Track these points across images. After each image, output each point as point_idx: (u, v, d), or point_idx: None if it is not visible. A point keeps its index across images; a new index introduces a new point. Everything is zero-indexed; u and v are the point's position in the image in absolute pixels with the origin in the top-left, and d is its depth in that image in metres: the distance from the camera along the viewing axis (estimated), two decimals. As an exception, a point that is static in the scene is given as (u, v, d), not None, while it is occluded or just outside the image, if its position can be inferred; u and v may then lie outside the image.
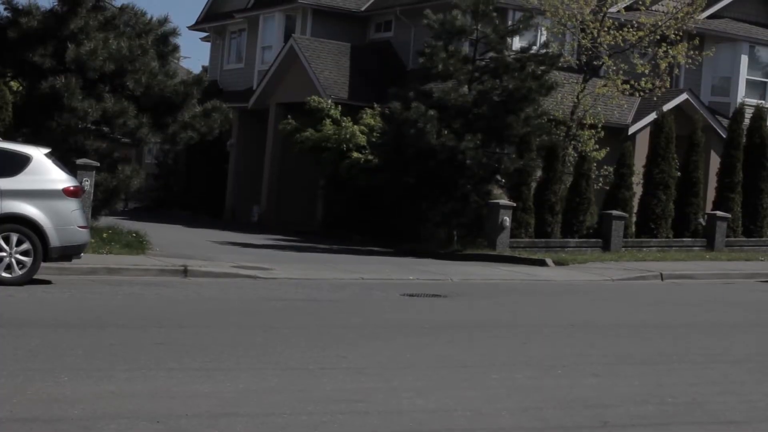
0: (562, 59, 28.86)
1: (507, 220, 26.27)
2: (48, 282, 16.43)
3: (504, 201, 26.70)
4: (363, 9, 37.78)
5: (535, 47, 28.41)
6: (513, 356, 11.63)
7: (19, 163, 16.14)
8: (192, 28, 44.09)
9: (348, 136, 30.11)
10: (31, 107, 22.88)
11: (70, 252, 16.50)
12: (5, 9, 23.42)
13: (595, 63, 31.17)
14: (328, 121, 30.34)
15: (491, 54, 27.86)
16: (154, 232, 23.84)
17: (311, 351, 10.97)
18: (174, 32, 24.68)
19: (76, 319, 12.89)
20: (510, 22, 30.56)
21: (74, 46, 22.09)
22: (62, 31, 22.51)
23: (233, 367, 10.06)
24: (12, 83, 24.36)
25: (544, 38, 31.29)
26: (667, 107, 31.64)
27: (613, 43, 30.34)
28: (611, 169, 29.64)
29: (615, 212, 27.84)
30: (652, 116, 31.28)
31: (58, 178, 16.36)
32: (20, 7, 23.05)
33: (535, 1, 30.00)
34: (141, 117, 22.81)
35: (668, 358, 12.07)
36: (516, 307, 16.82)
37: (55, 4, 23.23)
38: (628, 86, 30.20)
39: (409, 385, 9.46)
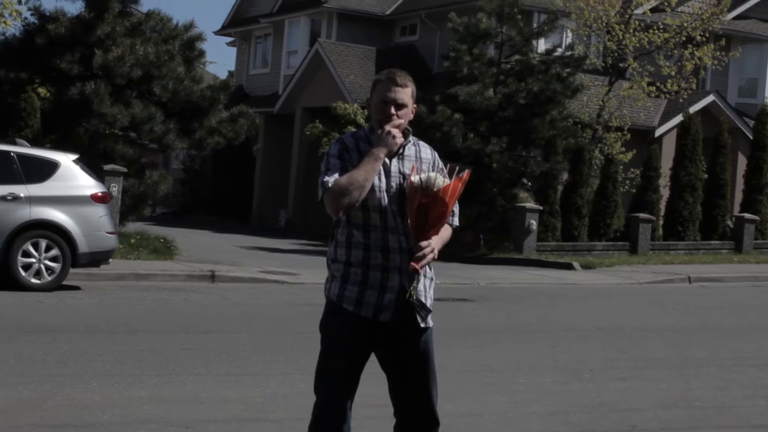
0: (587, 61, 28.80)
1: (533, 224, 26.24)
2: (77, 288, 16.52)
3: (530, 204, 26.66)
4: (388, 13, 37.81)
5: (560, 49, 28.36)
6: (540, 360, 11.62)
7: (48, 169, 16.24)
8: (218, 33, 44.24)
9: (373, 140, 30.10)
10: (59, 113, 23.00)
11: (98, 258, 16.58)
12: (32, 15, 23.58)
13: (620, 65, 31.11)
14: (351, 128, 30.28)
15: (516, 57, 27.83)
16: (182, 237, 23.93)
17: (339, 356, 10.98)
18: (200, 37, 24.75)
19: (104, 325, 12.96)
20: (535, 25, 30.53)
21: (101, 52, 22.20)
22: (89, 38, 22.63)
23: (261, 372, 10.10)
24: (40, 90, 24.49)
25: (569, 40, 31.27)
26: (693, 109, 31.52)
27: (638, 44, 30.28)
28: (638, 172, 29.55)
29: (642, 215, 27.76)
30: (679, 118, 31.17)
31: (86, 184, 16.45)
32: (47, 14, 23.19)
33: (560, 3, 29.97)
34: (168, 122, 22.90)
35: (696, 362, 12.03)
36: (543, 311, 16.80)
37: (82, 10, 23.36)
38: (654, 88, 30.13)
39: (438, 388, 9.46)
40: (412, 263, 5.19)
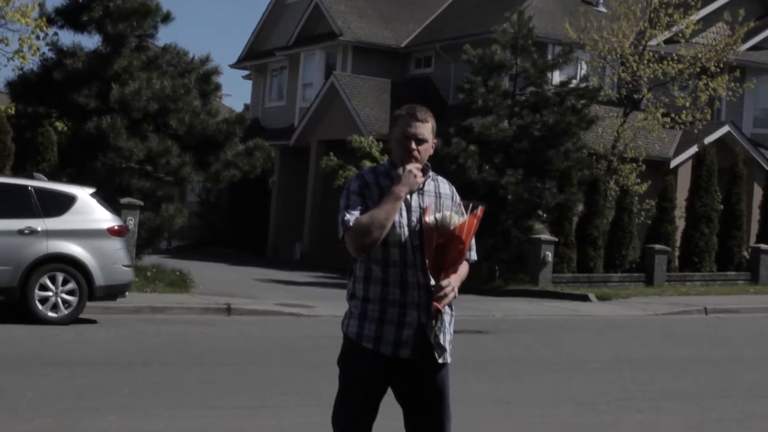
0: (602, 93, 28.85)
1: (549, 255, 26.23)
2: (93, 321, 16.58)
3: (546, 236, 26.66)
4: (403, 45, 37.98)
5: (574, 81, 28.42)
6: (556, 392, 11.61)
7: (65, 203, 16.33)
8: (233, 66, 44.49)
9: (389, 172, 30.10)
10: (76, 147, 23.11)
11: (115, 291, 16.65)
12: (50, 50, 23.73)
13: (635, 96, 31.15)
14: (366, 161, 30.22)
15: (531, 88, 27.90)
16: (198, 270, 23.99)
17: (355, 388, 10.99)
18: (216, 71, 24.87)
19: (121, 358, 13.00)
20: (549, 57, 30.61)
21: (118, 86, 22.33)
22: (106, 72, 22.77)
23: (277, 405, 10.12)
24: (57, 124, 24.63)
25: (583, 72, 31.36)
26: (708, 140, 31.51)
27: (653, 76, 30.32)
28: (653, 203, 29.53)
29: (658, 246, 27.72)
30: (694, 149, 31.18)
31: (102, 217, 16.53)
32: (65, 49, 23.34)
33: (575, 35, 30.06)
34: (184, 156, 22.98)
35: (713, 394, 12.00)
36: (559, 343, 16.78)
37: (99, 44, 23.52)
38: (669, 119, 30.15)
39: (452, 420, 9.46)
40: (434, 303, 5.22)
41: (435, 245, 5.20)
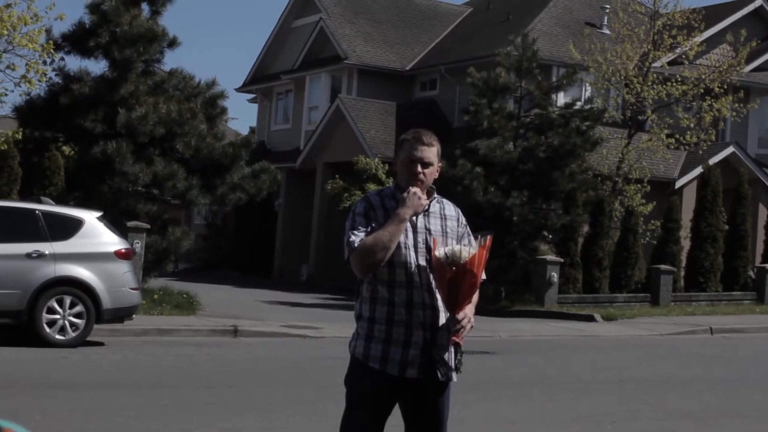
0: (606, 114, 28.95)
1: (555, 276, 26.28)
2: (101, 344, 16.64)
3: (551, 257, 26.72)
4: (408, 68, 38.14)
5: (579, 103, 28.50)
6: (562, 412, 11.65)
7: (72, 226, 16.42)
8: (239, 90, 44.65)
9: (394, 194, 30.17)
10: (83, 171, 23.23)
11: (122, 314, 16.71)
12: (57, 75, 23.88)
13: (639, 117, 31.25)
14: (370, 184, 30.23)
15: (535, 110, 28.00)
16: (204, 292, 24.06)
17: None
18: (222, 95, 24.98)
19: (128, 380, 13.05)
20: (554, 79, 30.71)
21: (125, 111, 22.45)
22: (113, 97, 22.88)
23: (285, 426, 10.17)
24: (64, 148, 24.76)
25: (588, 94, 31.45)
26: (713, 160, 31.59)
27: (657, 97, 30.43)
28: (658, 224, 29.57)
29: (663, 266, 27.76)
30: (699, 170, 31.25)
31: (109, 240, 16.62)
32: (72, 74, 23.48)
33: (579, 57, 30.18)
34: (190, 179, 23.08)
35: (718, 413, 12.03)
36: (565, 363, 16.81)
37: (105, 69, 23.65)
38: (673, 140, 30.23)
39: (458, 442, 9.52)
40: (453, 337, 5.30)
41: (448, 279, 5.27)
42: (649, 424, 11.08)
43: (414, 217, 5.40)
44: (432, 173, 5.49)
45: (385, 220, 5.35)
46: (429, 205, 5.48)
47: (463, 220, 5.61)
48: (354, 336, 5.52)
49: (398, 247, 5.34)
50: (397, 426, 5.62)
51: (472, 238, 5.56)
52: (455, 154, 26.81)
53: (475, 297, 5.46)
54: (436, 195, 5.55)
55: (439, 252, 5.31)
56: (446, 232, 5.48)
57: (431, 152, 5.47)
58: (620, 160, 30.29)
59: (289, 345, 17.91)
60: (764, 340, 22.05)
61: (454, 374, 5.48)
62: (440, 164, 5.57)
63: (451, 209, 5.61)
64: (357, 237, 5.33)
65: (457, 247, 5.32)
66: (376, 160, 32.03)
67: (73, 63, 59.83)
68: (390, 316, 5.37)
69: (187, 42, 65.15)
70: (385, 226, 5.31)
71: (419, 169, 5.44)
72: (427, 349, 5.35)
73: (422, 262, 5.40)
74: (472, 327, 5.36)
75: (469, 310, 5.34)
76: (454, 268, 5.25)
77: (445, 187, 27.42)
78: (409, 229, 5.39)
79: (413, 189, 5.38)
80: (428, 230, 5.44)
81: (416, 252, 5.39)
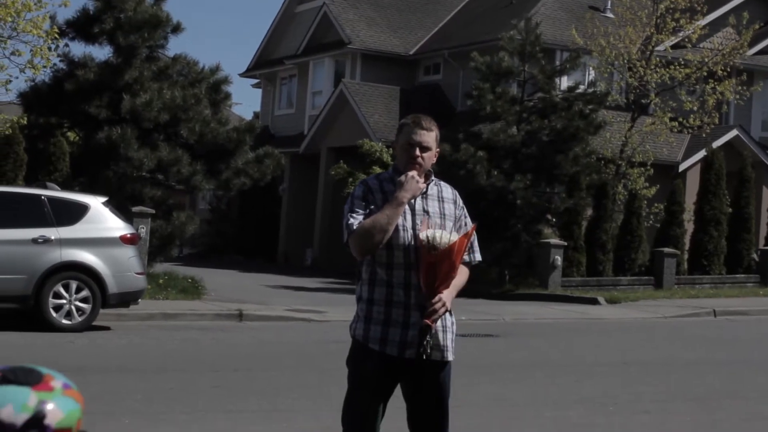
0: (609, 98, 28.95)
1: (558, 259, 26.35)
2: (107, 328, 16.74)
3: (555, 240, 26.79)
4: (411, 53, 38.14)
5: (582, 86, 28.54)
6: (565, 394, 11.73)
7: (78, 212, 16.52)
8: (243, 75, 44.68)
9: (398, 178, 30.22)
10: (88, 157, 23.31)
11: (128, 298, 16.82)
12: (62, 62, 23.95)
13: (642, 101, 31.26)
14: (375, 168, 30.30)
15: (539, 94, 28.01)
16: (209, 277, 24.16)
17: (365, 392, 11.12)
18: (226, 80, 25.04)
19: (134, 364, 13.15)
20: (557, 63, 30.72)
21: (129, 97, 22.52)
22: (117, 83, 22.96)
23: (289, 409, 10.26)
24: (69, 134, 24.84)
25: (591, 77, 31.46)
26: (716, 144, 31.62)
27: (660, 80, 30.43)
28: (662, 207, 29.62)
29: (666, 249, 27.82)
30: (702, 153, 31.29)
31: (115, 225, 16.71)
32: (76, 60, 23.55)
33: (582, 41, 30.18)
34: (195, 164, 23.16)
35: (721, 395, 12.11)
36: (568, 346, 16.89)
37: (110, 55, 23.72)
38: (677, 123, 30.24)
39: (462, 423, 9.57)
40: (425, 320, 5.37)
41: (427, 263, 5.35)
42: (651, 405, 11.16)
43: (412, 200, 5.48)
44: (430, 157, 5.57)
45: (383, 204, 5.44)
46: (427, 188, 5.56)
47: (460, 202, 5.69)
48: (354, 318, 5.61)
49: (396, 229, 5.42)
50: (400, 408, 5.71)
51: (468, 219, 5.65)
52: (459, 138, 26.83)
53: (461, 278, 5.52)
54: (433, 178, 5.64)
55: (422, 235, 5.39)
56: (444, 215, 5.56)
57: (430, 137, 5.55)
58: (623, 144, 30.32)
59: (294, 329, 18.02)
60: (767, 323, 22.12)
61: (449, 354, 5.56)
62: (438, 150, 5.65)
63: (448, 191, 5.69)
64: (356, 220, 5.42)
65: (438, 232, 5.39)
66: (380, 144, 32.07)
67: (78, 49, 59.57)
68: (389, 298, 5.45)
69: (191, 27, 65.11)
70: (384, 209, 5.40)
71: (418, 152, 5.52)
72: (426, 329, 5.43)
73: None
74: (446, 311, 5.43)
75: (446, 294, 5.41)
76: (433, 253, 5.32)
77: (448, 171, 27.80)
78: (408, 211, 5.47)
79: (411, 173, 5.46)
80: (426, 212, 5.52)
81: (414, 234, 5.47)
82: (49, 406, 2.44)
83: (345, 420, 5.60)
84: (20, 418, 2.40)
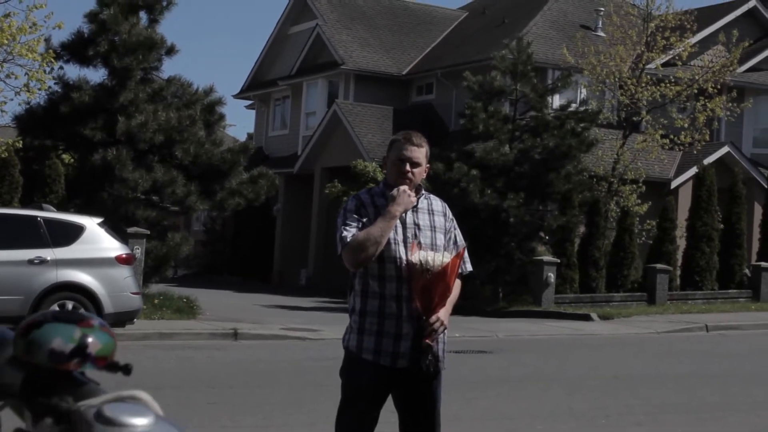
0: (601, 116, 29.14)
1: (551, 277, 26.48)
2: (103, 348, 16.78)
3: (548, 257, 26.93)
4: (404, 73, 38.36)
5: (574, 105, 28.73)
6: (557, 408, 11.84)
7: (73, 232, 16.65)
8: (237, 96, 44.86)
9: (392, 198, 30.38)
10: (83, 179, 23.44)
11: (123, 318, 16.93)
12: (57, 84, 24.08)
13: (634, 118, 31.45)
14: (370, 184, 30.46)
15: (531, 113, 28.20)
16: (204, 297, 24.24)
17: (360, 407, 11.23)
18: (220, 102, 25.18)
19: (130, 383, 13.19)
20: (549, 81, 30.93)
21: (124, 119, 22.65)
22: (112, 104, 23.10)
23: (285, 424, 10.36)
24: (64, 156, 24.96)
25: (582, 96, 31.66)
26: (708, 160, 31.80)
27: (651, 98, 30.63)
28: (654, 223, 29.78)
29: (659, 266, 27.96)
30: (694, 170, 31.47)
31: (110, 246, 16.84)
32: (71, 82, 23.69)
33: (573, 59, 30.40)
34: (189, 185, 23.27)
35: (712, 407, 12.21)
36: (561, 361, 17.00)
37: (105, 78, 23.87)
38: (668, 140, 30.43)
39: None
40: (425, 340, 5.50)
41: (421, 285, 5.48)
42: (642, 417, 11.27)
43: (403, 214, 5.62)
44: (420, 173, 5.71)
45: (375, 217, 5.58)
46: (417, 202, 5.71)
47: (450, 214, 5.83)
48: (347, 330, 5.74)
49: (388, 242, 5.55)
50: (393, 416, 5.84)
51: (458, 231, 5.79)
52: (452, 157, 26.99)
53: (454, 295, 5.64)
54: (423, 192, 5.79)
55: (414, 258, 5.51)
56: (434, 227, 5.69)
57: (420, 153, 5.70)
58: (615, 161, 30.50)
59: (289, 347, 18.11)
60: (759, 337, 22.25)
61: (441, 364, 5.69)
62: (428, 166, 5.80)
63: (438, 204, 5.83)
64: (349, 232, 5.55)
65: (431, 254, 5.51)
66: (374, 164, 32.22)
67: (73, 72, 60.03)
68: (381, 309, 5.58)
69: (185, 49, 65.30)
70: (376, 222, 5.54)
71: (408, 168, 5.66)
72: (418, 340, 5.56)
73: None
74: (444, 329, 5.56)
75: (442, 313, 5.53)
76: (428, 275, 5.46)
77: (442, 189, 27.96)
78: (399, 225, 5.61)
79: (402, 187, 5.60)
80: (417, 225, 5.66)
81: (406, 247, 5.60)
82: (90, 339, 3.16)
83: (339, 429, 5.72)
84: (68, 347, 3.12)
